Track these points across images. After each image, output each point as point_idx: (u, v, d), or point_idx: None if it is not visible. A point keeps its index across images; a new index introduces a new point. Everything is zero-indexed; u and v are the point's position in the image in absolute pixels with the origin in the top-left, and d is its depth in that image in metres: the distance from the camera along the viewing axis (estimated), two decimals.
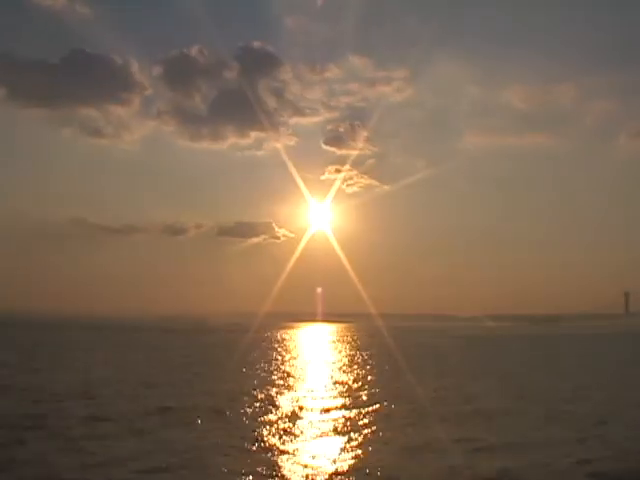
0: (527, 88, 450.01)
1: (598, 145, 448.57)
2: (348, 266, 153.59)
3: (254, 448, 18.47)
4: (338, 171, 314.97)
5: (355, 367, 49.74)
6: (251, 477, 15.35)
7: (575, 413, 25.61)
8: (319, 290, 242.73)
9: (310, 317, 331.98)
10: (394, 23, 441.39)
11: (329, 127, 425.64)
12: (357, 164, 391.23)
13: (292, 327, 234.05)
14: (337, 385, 35.77)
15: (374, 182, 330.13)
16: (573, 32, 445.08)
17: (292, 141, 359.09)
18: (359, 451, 18.25)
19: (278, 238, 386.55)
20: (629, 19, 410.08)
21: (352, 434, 20.62)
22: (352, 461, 17.02)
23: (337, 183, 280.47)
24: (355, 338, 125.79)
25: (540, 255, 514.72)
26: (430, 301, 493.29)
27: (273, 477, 15.45)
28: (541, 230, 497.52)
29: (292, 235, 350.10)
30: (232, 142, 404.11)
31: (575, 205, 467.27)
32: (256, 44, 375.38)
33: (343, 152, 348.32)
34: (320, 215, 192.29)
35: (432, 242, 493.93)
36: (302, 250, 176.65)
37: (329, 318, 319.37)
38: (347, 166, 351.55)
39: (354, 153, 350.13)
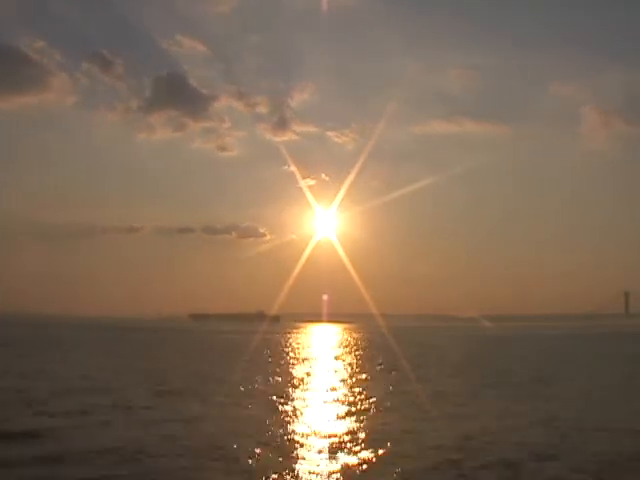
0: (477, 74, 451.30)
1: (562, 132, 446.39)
2: (351, 269, 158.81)
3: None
4: (288, 165, 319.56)
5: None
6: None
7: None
8: (325, 297, 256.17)
9: (315, 318, 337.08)
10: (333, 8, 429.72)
11: (274, 118, 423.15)
12: (307, 156, 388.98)
13: (300, 327, 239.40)
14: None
15: (326, 177, 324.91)
16: (526, 15, 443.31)
17: (243, 132, 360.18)
18: None
19: (249, 237, 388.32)
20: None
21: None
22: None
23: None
24: (357, 338, 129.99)
25: (539, 255, 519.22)
26: (431, 302, 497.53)
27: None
28: (541, 230, 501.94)
29: (269, 233, 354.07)
30: (179, 134, 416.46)
31: (575, 204, 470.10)
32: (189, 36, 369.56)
33: (288, 141, 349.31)
34: (324, 220, 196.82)
35: (431, 243, 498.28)
36: (296, 252, 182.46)
37: (333, 319, 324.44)
38: (291, 165, 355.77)
39: (303, 144, 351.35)
